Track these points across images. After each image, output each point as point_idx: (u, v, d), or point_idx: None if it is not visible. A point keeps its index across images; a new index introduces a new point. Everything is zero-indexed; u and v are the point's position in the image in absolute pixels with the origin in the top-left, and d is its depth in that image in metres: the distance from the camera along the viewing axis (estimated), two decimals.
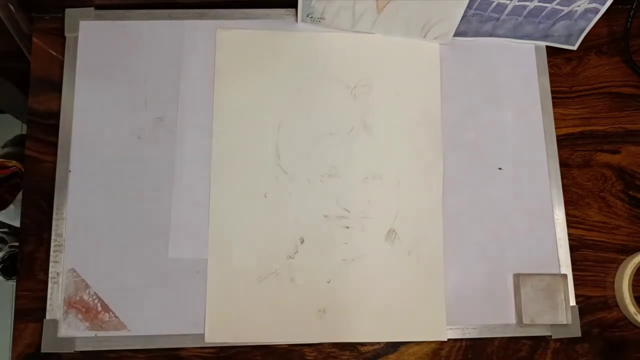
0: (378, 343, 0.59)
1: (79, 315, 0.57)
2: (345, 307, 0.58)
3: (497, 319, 0.58)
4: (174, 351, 0.58)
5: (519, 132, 0.64)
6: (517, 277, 0.59)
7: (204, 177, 0.60)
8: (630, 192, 0.65)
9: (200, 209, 0.60)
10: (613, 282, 0.62)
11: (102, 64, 0.63)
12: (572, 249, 0.62)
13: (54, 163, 0.60)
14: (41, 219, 0.60)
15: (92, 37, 0.63)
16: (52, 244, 0.58)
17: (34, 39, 0.64)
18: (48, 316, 0.57)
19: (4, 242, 1.07)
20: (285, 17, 0.65)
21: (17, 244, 0.91)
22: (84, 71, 0.62)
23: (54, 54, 0.64)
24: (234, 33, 0.64)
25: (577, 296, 0.61)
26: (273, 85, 0.63)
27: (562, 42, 0.65)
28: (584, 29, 0.63)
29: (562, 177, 0.63)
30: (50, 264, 0.58)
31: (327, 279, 0.59)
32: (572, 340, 0.60)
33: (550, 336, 0.59)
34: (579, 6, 0.60)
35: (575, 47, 0.65)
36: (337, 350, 0.59)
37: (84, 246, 0.59)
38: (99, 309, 0.57)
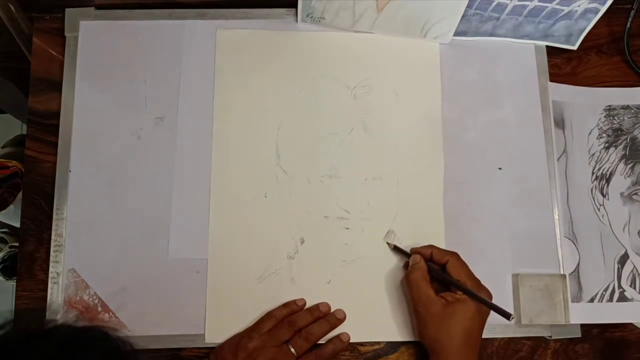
0: (378, 343, 0.59)
1: (79, 315, 0.57)
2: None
3: (496, 319, 0.58)
4: (174, 351, 0.57)
5: (519, 132, 0.64)
6: (515, 277, 0.59)
7: (204, 177, 0.60)
8: None
9: (200, 209, 0.60)
10: None
11: (102, 64, 0.63)
12: None
13: (54, 163, 0.60)
14: (41, 219, 0.60)
15: (92, 37, 0.63)
16: (52, 244, 0.58)
17: (34, 39, 0.64)
18: (48, 316, 0.57)
19: (4, 242, 1.07)
20: (285, 17, 0.65)
21: (17, 244, 0.91)
22: (84, 71, 0.62)
23: (54, 54, 0.64)
24: (234, 33, 0.64)
25: None
26: (273, 85, 0.63)
27: (562, 42, 0.65)
28: (584, 29, 0.63)
29: None
30: (50, 264, 0.58)
31: (327, 279, 0.59)
32: (572, 341, 0.60)
33: (550, 336, 0.59)
34: (579, 6, 0.60)
35: (575, 47, 0.65)
36: None
37: (84, 246, 0.59)
38: (99, 309, 0.57)
